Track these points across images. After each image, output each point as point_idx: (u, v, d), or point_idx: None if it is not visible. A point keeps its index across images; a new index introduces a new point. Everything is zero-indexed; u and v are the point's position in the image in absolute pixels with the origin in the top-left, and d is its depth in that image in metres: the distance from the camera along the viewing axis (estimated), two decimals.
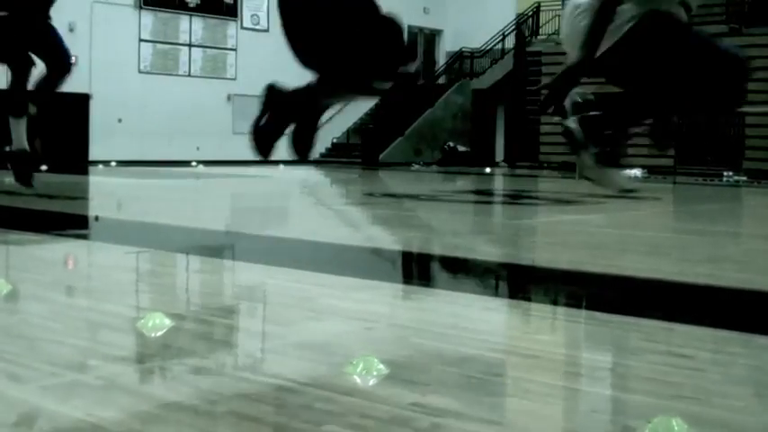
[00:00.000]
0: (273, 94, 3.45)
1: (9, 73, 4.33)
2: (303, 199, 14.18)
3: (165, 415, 2.72)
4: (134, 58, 22.19)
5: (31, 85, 4.56)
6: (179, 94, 22.42)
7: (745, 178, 18.40)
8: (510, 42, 24.45)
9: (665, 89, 3.27)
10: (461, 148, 24.66)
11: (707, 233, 8.76)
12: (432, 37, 28.52)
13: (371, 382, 3.10)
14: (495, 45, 24.29)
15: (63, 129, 18.48)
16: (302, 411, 2.74)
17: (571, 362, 3.63)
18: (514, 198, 11.69)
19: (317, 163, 23.29)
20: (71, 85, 19.21)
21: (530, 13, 24.48)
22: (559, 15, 24.15)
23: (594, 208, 11.29)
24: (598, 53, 3.10)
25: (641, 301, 5.00)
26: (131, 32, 22.09)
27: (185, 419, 2.68)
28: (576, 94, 3.30)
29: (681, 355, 3.57)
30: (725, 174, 18.60)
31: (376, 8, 3.22)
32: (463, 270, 6.04)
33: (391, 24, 3.16)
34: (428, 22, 27.85)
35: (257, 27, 24.08)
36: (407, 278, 6.31)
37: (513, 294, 5.24)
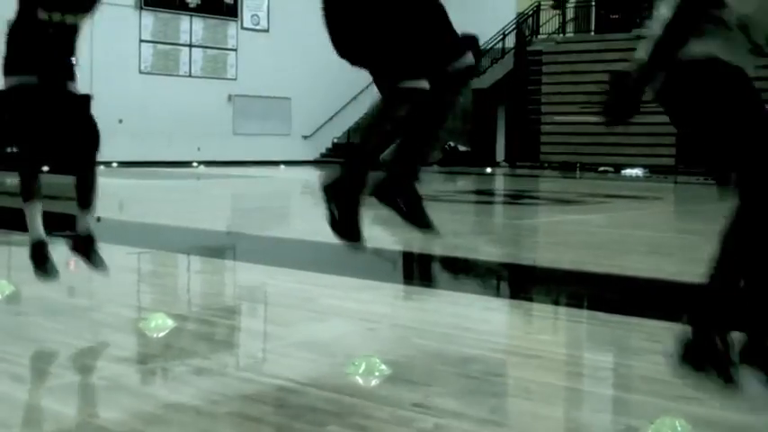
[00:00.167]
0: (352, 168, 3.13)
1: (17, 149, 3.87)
2: (304, 199, 14.18)
3: (167, 416, 2.72)
4: (135, 59, 22.20)
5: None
6: (180, 95, 22.43)
7: None
8: (510, 42, 24.44)
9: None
10: (462, 148, 24.67)
11: (708, 233, 8.73)
12: None
13: (374, 383, 3.10)
14: (495, 44, 24.30)
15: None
16: (304, 412, 2.75)
17: (573, 362, 3.63)
18: (515, 198, 11.70)
19: (317, 163, 23.32)
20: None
21: (530, 13, 24.48)
22: (559, 14, 24.17)
23: (596, 208, 11.29)
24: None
25: (643, 301, 5.00)
26: (132, 33, 22.10)
27: (187, 420, 2.69)
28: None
29: None
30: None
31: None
32: (464, 270, 6.04)
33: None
34: None
35: (257, 27, 24.09)
36: (409, 278, 6.31)
37: (515, 294, 5.24)
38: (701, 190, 15.94)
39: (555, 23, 23.89)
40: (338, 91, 23.19)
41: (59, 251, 4.39)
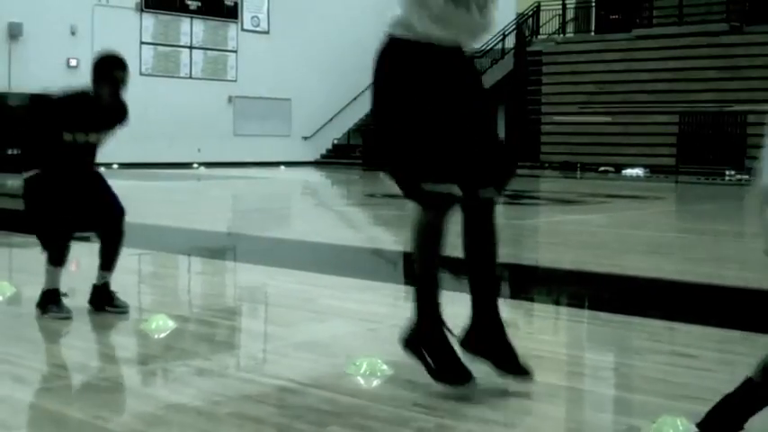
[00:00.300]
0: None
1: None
2: (304, 200, 14.19)
3: (168, 416, 2.72)
4: (135, 61, 22.18)
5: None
6: (180, 97, 22.41)
7: (747, 177, 18.37)
8: (510, 42, 24.41)
9: None
10: None
11: (709, 232, 8.75)
12: None
13: (375, 383, 3.10)
14: (495, 45, 24.27)
15: None
16: (305, 412, 2.74)
17: (574, 362, 3.63)
18: (516, 198, 11.70)
19: (317, 164, 23.32)
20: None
21: (530, 13, 24.45)
22: (559, 15, 24.15)
23: (596, 208, 11.29)
24: None
25: (644, 300, 5.00)
26: (133, 35, 22.09)
27: (188, 421, 2.68)
28: None
29: (685, 355, 3.57)
30: (727, 173, 18.59)
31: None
32: (465, 270, 6.02)
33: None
34: None
35: (258, 29, 24.08)
36: (409, 279, 6.30)
37: (516, 294, 5.23)
38: (702, 189, 15.94)
39: (555, 24, 23.86)
40: (338, 92, 23.20)
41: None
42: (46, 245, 4.04)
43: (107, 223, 4.15)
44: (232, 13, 23.72)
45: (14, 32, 18.83)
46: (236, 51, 23.68)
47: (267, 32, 23.82)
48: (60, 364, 3.49)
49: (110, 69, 4.06)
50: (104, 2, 20.68)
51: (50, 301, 4.03)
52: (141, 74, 22.38)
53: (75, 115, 4.02)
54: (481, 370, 2.97)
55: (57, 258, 4.03)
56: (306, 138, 24.22)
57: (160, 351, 3.60)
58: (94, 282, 4.16)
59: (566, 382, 3.24)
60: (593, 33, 23.44)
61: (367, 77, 3.09)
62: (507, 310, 4.77)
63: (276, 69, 23.10)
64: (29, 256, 6.29)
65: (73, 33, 20.04)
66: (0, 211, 9.43)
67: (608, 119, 20.32)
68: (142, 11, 22.09)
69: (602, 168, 20.27)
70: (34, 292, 4.11)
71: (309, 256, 6.68)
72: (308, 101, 23.41)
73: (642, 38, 21.26)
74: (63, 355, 3.68)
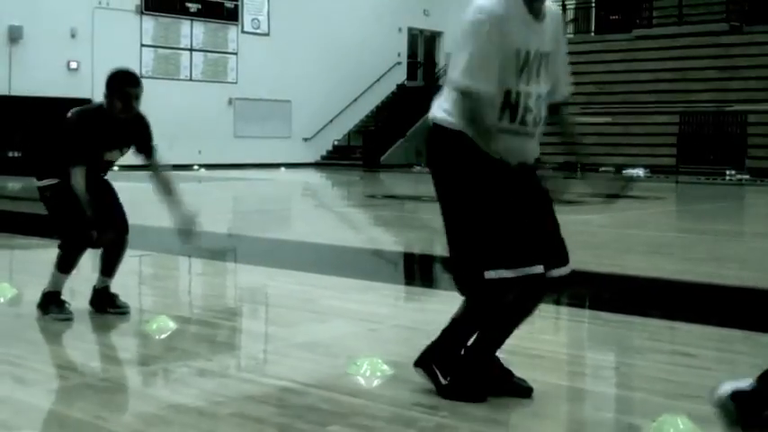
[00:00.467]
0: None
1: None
2: (305, 201, 14.19)
3: (169, 417, 2.73)
4: (136, 63, 22.20)
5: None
6: (180, 99, 22.41)
7: (747, 177, 18.36)
8: None
9: None
10: None
11: (709, 232, 8.75)
12: (432, 38, 28.57)
13: (375, 383, 3.10)
14: None
15: None
16: (306, 412, 2.75)
17: (575, 361, 3.64)
18: None
19: (318, 165, 23.32)
20: (73, 90, 19.27)
21: None
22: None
23: (597, 208, 11.27)
24: None
25: (645, 300, 5.00)
26: (133, 37, 22.10)
27: (190, 421, 2.69)
28: None
29: (685, 354, 3.58)
30: (727, 172, 18.58)
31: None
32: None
33: None
34: (429, 24, 27.88)
35: (258, 31, 24.08)
36: (410, 279, 6.31)
37: None
38: (702, 189, 15.94)
39: None
40: (338, 93, 23.21)
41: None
42: (66, 250, 4.07)
43: (114, 234, 4.20)
44: (232, 16, 23.73)
45: (15, 36, 18.84)
46: (236, 53, 23.69)
47: (267, 34, 23.82)
48: (61, 365, 3.49)
49: (121, 85, 4.11)
50: (104, 4, 20.68)
51: (51, 302, 4.04)
52: (142, 76, 22.30)
53: (110, 133, 4.11)
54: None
55: (66, 266, 4.07)
56: (306, 139, 24.23)
57: (161, 352, 3.61)
58: (95, 285, 4.18)
59: (566, 381, 3.24)
60: (593, 34, 23.45)
61: (367, 78, 3.09)
62: None
63: (276, 71, 23.10)
64: (30, 258, 6.31)
65: (73, 36, 20.04)
66: (0, 214, 9.43)
67: (608, 119, 20.29)
68: (142, 13, 22.11)
69: (602, 169, 20.28)
70: (35, 293, 4.12)
71: (310, 256, 6.68)
72: (309, 102, 23.41)
73: (642, 38, 21.26)
74: (64, 356, 3.69)
